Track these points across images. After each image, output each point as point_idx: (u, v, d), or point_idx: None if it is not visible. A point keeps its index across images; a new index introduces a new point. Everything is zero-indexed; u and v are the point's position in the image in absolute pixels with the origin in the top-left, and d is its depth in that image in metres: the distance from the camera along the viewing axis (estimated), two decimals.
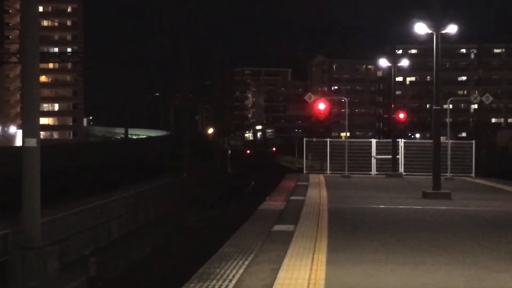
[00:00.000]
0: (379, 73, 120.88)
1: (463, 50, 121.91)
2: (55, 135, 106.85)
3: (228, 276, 8.98)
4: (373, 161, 30.56)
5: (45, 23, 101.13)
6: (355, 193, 21.43)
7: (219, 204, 37.03)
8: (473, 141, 30.99)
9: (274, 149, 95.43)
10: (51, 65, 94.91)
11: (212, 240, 21.37)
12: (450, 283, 8.86)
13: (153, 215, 28.47)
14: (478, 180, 27.94)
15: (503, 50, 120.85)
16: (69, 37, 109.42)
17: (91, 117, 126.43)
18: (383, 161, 30.49)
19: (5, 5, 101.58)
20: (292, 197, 19.28)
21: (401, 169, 30.21)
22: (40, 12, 75.17)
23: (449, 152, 28.54)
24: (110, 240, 22.28)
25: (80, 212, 19.90)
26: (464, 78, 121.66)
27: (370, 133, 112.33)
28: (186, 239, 24.69)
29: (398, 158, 30.11)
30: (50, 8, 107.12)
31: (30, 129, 14.59)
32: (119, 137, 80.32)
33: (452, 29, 20.96)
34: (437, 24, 20.41)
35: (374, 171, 30.52)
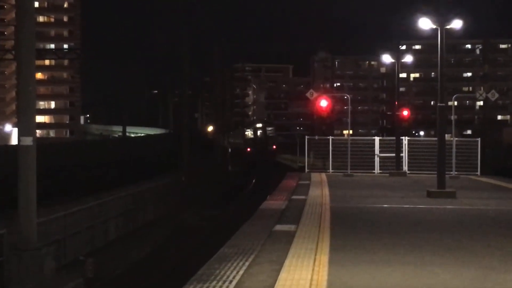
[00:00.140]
0: (383, 70, 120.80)
1: (468, 46, 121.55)
2: (52, 133, 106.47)
3: (228, 277, 8.92)
4: (376, 159, 30.34)
5: (41, 19, 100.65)
6: (358, 192, 21.32)
7: (219, 203, 36.86)
8: (479, 139, 30.81)
9: (274, 147, 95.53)
10: (47, 62, 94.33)
11: (212, 240, 21.20)
12: (455, 283, 8.77)
13: (152, 215, 28.26)
14: (484, 179, 27.80)
15: (509, 45, 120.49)
16: (65, 33, 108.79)
17: (88, 115, 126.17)
18: (386, 160, 30.24)
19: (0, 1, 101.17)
20: (293, 197, 19.23)
21: (405, 167, 30.03)
22: (36, 7, 74.61)
23: (454, 150, 28.30)
24: (107, 241, 22.10)
25: (77, 212, 19.69)
26: (469, 74, 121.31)
27: (373, 131, 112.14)
28: (186, 239, 24.51)
29: (402, 156, 29.92)
30: (46, 4, 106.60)
31: (26, 127, 14.41)
32: (116, 135, 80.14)
33: (457, 24, 20.69)
34: (442, 19, 20.19)
35: (377, 169, 30.33)
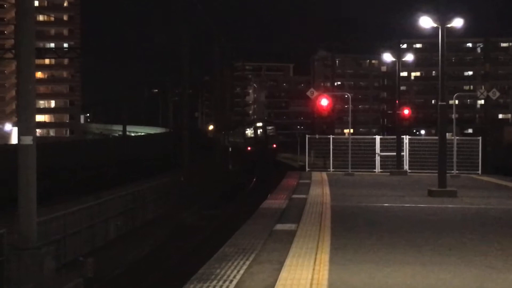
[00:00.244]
0: (383, 68, 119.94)
1: (469, 44, 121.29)
2: (52, 132, 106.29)
3: (228, 276, 8.91)
4: (377, 158, 30.29)
5: (41, 17, 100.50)
6: (358, 191, 21.29)
7: (220, 202, 36.80)
8: (480, 138, 30.76)
9: (274, 146, 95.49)
10: (47, 61, 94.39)
11: (212, 240, 21.16)
12: (457, 283, 8.72)
13: (151, 215, 28.22)
14: (485, 178, 27.75)
15: (511, 44, 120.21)
16: (65, 32, 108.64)
17: (88, 114, 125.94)
18: (387, 159, 30.19)
19: None
20: (294, 196, 19.21)
21: (406, 166, 30.00)
22: (36, 6, 74.47)
23: (455, 148, 28.25)
24: (107, 241, 22.06)
25: (77, 212, 19.65)
26: (470, 73, 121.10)
27: (374, 130, 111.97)
28: (186, 238, 24.47)
29: (403, 155, 29.86)
30: (46, 3, 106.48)
31: (25, 127, 14.33)
32: (116, 134, 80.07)
33: (458, 22, 20.64)
34: (443, 17, 20.12)
35: (378, 168, 30.30)
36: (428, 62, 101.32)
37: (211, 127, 75.09)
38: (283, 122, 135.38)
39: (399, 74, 31.51)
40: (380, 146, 30.44)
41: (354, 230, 13.07)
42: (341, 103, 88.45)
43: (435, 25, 20.21)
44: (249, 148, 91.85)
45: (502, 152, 47.28)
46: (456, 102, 32.08)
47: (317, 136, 33.65)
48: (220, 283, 8.54)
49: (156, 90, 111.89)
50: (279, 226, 13.21)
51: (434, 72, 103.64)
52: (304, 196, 18.90)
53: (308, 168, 31.23)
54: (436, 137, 22.58)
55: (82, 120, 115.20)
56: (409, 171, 29.70)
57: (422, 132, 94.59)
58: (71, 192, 27.47)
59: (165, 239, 24.58)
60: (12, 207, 14.33)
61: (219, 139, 62.13)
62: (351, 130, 34.52)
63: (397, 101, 32.63)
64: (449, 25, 20.36)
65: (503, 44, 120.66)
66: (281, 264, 9.60)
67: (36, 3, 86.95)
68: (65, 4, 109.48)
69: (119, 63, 74.90)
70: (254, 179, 52.50)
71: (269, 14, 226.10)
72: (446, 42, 20.10)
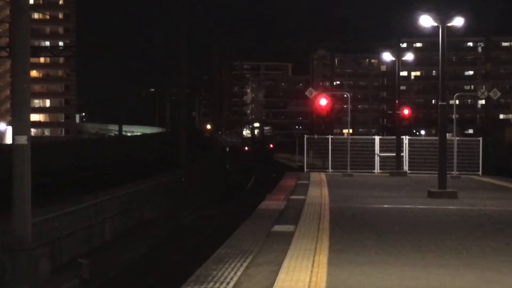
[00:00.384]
0: (383, 68, 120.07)
1: (470, 44, 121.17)
2: (47, 132, 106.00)
3: (226, 278, 8.85)
4: (377, 159, 30.18)
5: (36, 15, 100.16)
6: (357, 192, 21.26)
7: (218, 202, 36.73)
8: (480, 138, 30.67)
9: (271, 146, 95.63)
10: (42, 60, 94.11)
11: (210, 241, 21.04)
12: (456, 285, 8.67)
13: (149, 215, 28.12)
14: (486, 179, 27.70)
15: None
16: (61, 30, 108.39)
17: (84, 114, 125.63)
18: (386, 159, 30.08)
19: None
20: (292, 196, 19.18)
21: (406, 167, 29.91)
22: (31, 4, 74.28)
23: (455, 149, 28.14)
24: (103, 241, 21.94)
25: (73, 212, 19.50)
26: (471, 72, 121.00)
27: (373, 130, 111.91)
28: (183, 239, 24.36)
29: (402, 155, 29.76)
30: (41, 0, 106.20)
31: (20, 126, 14.23)
32: (113, 134, 79.90)
33: (458, 21, 20.50)
34: (443, 16, 20.02)
35: (377, 169, 30.21)
36: (429, 61, 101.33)
37: (208, 127, 75.03)
38: (281, 122, 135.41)
39: (399, 73, 31.39)
40: (380, 147, 30.33)
41: (353, 231, 13.02)
42: (340, 102, 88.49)
43: (435, 24, 20.10)
44: (246, 148, 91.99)
45: (503, 153, 47.28)
46: (457, 102, 32.00)
47: (315, 136, 33.55)
48: (217, 285, 8.48)
49: (153, 90, 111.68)
50: (277, 227, 13.18)
51: (434, 71, 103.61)
52: (302, 197, 18.86)
53: (306, 168, 31.13)
54: (436, 138, 22.47)
55: (77, 120, 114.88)
56: (409, 172, 29.62)
57: (422, 132, 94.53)
58: (66, 192, 27.31)
59: (162, 239, 24.48)
60: (6, 208, 14.15)
61: (217, 139, 62.09)
62: (350, 130, 34.43)
63: (397, 101, 32.51)
64: (449, 24, 20.25)
65: (505, 43, 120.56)
66: (279, 265, 9.54)
67: (31, 1, 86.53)
68: (61, 2, 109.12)
69: (116, 61, 74.80)
70: (252, 180, 52.47)
71: (268, 13, 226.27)
72: (447, 41, 20.01)
